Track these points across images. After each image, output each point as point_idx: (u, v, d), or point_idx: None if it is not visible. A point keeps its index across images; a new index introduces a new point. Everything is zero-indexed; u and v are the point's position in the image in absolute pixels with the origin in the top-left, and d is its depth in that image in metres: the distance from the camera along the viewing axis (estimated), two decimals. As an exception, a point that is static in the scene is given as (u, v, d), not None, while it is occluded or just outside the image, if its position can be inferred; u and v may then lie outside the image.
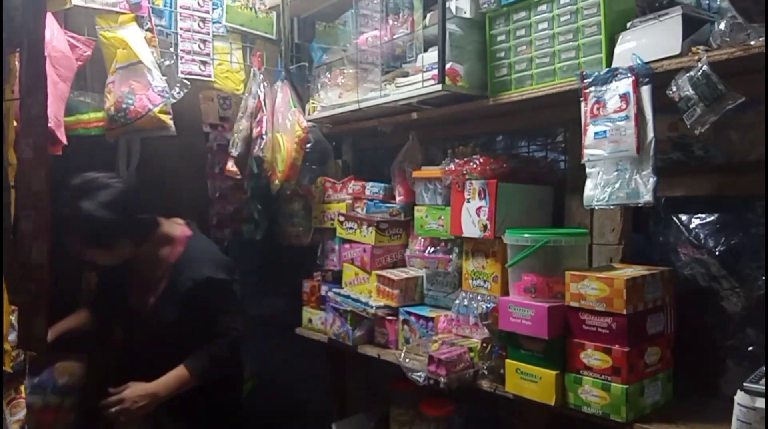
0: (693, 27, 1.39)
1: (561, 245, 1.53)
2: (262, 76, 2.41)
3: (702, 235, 1.60)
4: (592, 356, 1.41)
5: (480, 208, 1.76)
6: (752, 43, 1.25)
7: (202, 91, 2.48)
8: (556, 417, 1.63)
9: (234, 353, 2.00)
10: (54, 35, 1.95)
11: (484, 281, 1.79)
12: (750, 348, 1.50)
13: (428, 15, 1.93)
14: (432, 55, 1.85)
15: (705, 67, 1.28)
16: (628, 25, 1.50)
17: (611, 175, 1.47)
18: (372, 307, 2.03)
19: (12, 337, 2.06)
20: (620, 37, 1.51)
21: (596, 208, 1.52)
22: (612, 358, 1.38)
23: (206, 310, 1.89)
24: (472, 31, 1.85)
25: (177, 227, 2.02)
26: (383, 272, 2.05)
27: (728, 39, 1.30)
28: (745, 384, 1.19)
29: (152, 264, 1.97)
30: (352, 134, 2.56)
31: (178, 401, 1.87)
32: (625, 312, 1.35)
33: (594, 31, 1.56)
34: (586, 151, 1.52)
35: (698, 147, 1.66)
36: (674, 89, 1.33)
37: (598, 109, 1.49)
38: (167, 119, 2.12)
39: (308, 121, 2.35)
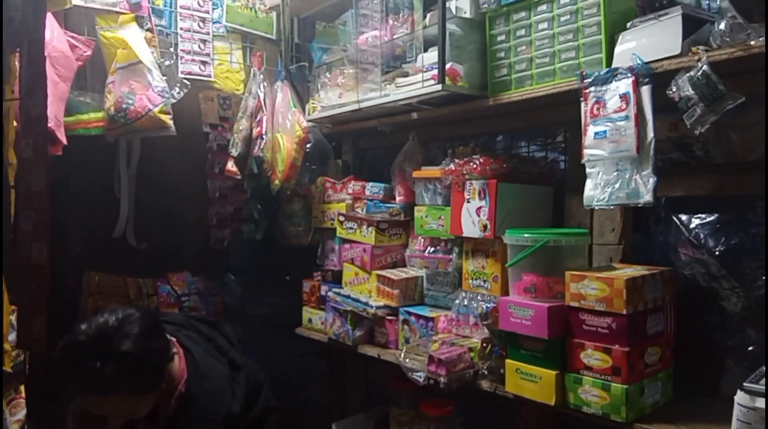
0: (693, 27, 1.39)
1: (561, 245, 1.53)
2: (262, 76, 2.41)
3: (702, 235, 1.60)
4: (592, 356, 1.41)
5: (480, 208, 1.76)
6: (752, 43, 1.25)
7: (202, 91, 2.48)
8: (556, 417, 1.63)
9: None
10: (54, 35, 1.96)
11: (484, 281, 1.79)
12: (750, 348, 1.50)
13: (428, 15, 1.93)
14: (432, 55, 1.85)
15: (705, 67, 1.28)
16: (628, 25, 1.50)
17: (611, 175, 1.47)
18: (372, 307, 2.03)
19: (12, 337, 2.06)
20: (620, 37, 1.51)
21: (596, 208, 1.52)
22: (612, 358, 1.37)
23: None
24: (472, 31, 1.85)
25: (173, 360, 1.57)
26: (383, 272, 2.05)
27: (728, 39, 1.30)
28: (745, 384, 1.19)
29: (147, 415, 1.52)
30: (352, 134, 2.56)
31: None
32: (625, 312, 1.35)
33: (594, 31, 1.56)
34: (586, 151, 1.52)
35: (698, 147, 1.66)
36: (674, 89, 1.33)
37: (598, 109, 1.49)
38: (167, 119, 2.12)
39: (308, 121, 2.35)
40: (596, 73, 1.50)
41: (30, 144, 1.82)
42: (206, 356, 1.64)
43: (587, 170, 1.54)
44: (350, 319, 2.12)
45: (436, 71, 1.80)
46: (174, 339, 1.58)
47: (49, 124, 1.85)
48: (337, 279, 2.31)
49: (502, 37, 1.78)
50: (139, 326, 1.41)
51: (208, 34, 2.46)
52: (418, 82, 1.89)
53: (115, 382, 1.35)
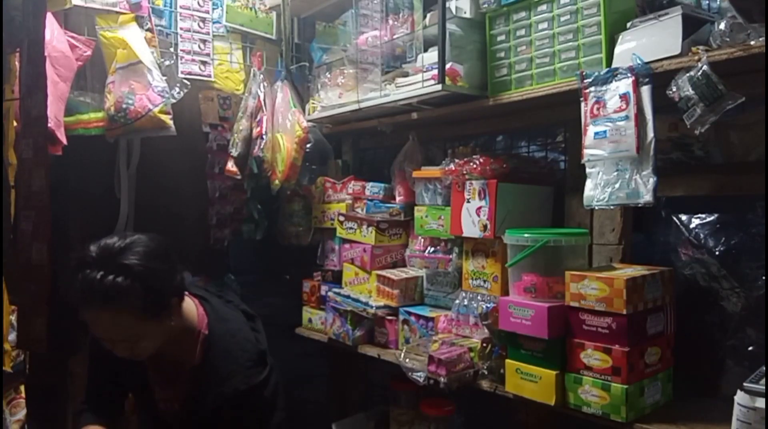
0: (693, 27, 1.39)
1: (561, 245, 1.53)
2: (262, 76, 2.41)
3: (702, 235, 1.60)
4: (592, 356, 1.41)
5: (480, 208, 1.76)
6: (752, 43, 1.25)
7: (202, 91, 2.48)
8: (556, 417, 1.63)
9: None
10: (54, 35, 1.96)
11: (484, 281, 1.79)
12: (750, 348, 1.50)
13: (428, 15, 1.93)
14: (432, 55, 1.85)
15: (705, 67, 1.28)
16: (628, 25, 1.51)
17: (611, 175, 1.47)
18: (372, 307, 2.03)
19: (12, 337, 2.06)
20: (620, 37, 1.51)
21: (596, 208, 1.52)
22: (612, 358, 1.38)
23: (237, 424, 1.55)
24: (472, 31, 1.85)
25: (189, 305, 1.58)
26: (383, 272, 2.05)
27: (728, 39, 1.30)
28: (745, 384, 1.19)
29: (172, 363, 1.57)
30: (352, 134, 2.56)
31: None
32: (625, 312, 1.35)
33: (594, 31, 1.56)
34: (586, 151, 1.52)
35: (698, 147, 1.66)
36: (674, 89, 1.33)
37: (598, 109, 1.49)
38: (167, 119, 2.12)
39: (308, 121, 2.35)
40: (596, 73, 1.50)
41: (30, 144, 1.82)
42: (221, 304, 1.67)
43: (587, 170, 1.54)
44: (350, 319, 2.12)
45: (436, 71, 1.80)
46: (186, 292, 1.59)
47: (49, 124, 1.84)
48: (337, 279, 2.31)
49: (502, 37, 1.78)
50: (146, 247, 1.42)
51: (208, 34, 2.46)
52: (418, 82, 1.89)
53: (114, 294, 1.34)
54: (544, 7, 1.67)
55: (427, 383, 1.72)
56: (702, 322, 1.58)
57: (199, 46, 2.43)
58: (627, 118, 1.43)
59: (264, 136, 2.32)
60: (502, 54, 1.78)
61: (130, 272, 1.36)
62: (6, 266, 1.85)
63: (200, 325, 1.57)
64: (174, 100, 2.18)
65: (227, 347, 1.55)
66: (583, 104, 1.53)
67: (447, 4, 1.80)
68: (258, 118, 2.35)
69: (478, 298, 1.80)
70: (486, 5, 1.78)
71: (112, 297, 1.35)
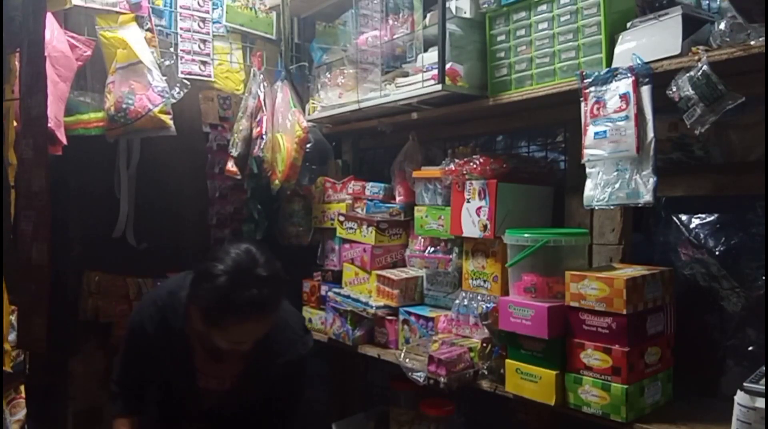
0: (693, 27, 1.39)
1: (561, 245, 1.53)
2: (262, 76, 2.41)
3: (702, 235, 1.60)
4: (592, 356, 1.41)
5: (480, 208, 1.76)
6: (752, 43, 1.25)
7: (202, 91, 2.48)
8: (556, 417, 1.63)
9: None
10: (54, 35, 1.96)
11: (484, 281, 1.79)
12: (750, 348, 1.50)
13: (428, 15, 1.93)
14: (432, 55, 1.85)
15: (705, 67, 1.28)
16: (628, 25, 1.51)
17: (611, 175, 1.47)
18: (372, 307, 2.03)
19: (12, 337, 2.06)
20: (620, 37, 1.51)
21: (596, 208, 1.52)
22: (612, 358, 1.37)
23: (290, 388, 1.67)
24: (472, 31, 1.85)
25: None
26: (383, 272, 2.05)
27: (728, 39, 1.30)
28: (745, 384, 1.19)
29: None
30: (352, 134, 2.57)
31: None
32: (625, 312, 1.35)
33: (594, 31, 1.56)
34: (586, 151, 1.52)
35: (698, 147, 1.66)
36: (674, 89, 1.34)
37: (598, 109, 1.49)
38: (167, 119, 2.12)
39: (308, 121, 2.35)
40: (596, 73, 1.50)
41: (30, 144, 1.82)
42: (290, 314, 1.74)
43: (587, 170, 1.54)
44: (350, 319, 2.12)
45: (436, 71, 1.80)
46: None
47: (49, 124, 1.84)
48: (337, 279, 2.31)
49: (502, 37, 1.78)
50: (262, 252, 1.51)
51: (208, 34, 2.46)
52: (418, 82, 1.89)
53: (271, 304, 1.46)
54: (544, 7, 1.67)
55: (427, 383, 1.72)
56: (702, 322, 1.58)
57: (199, 46, 2.43)
58: (627, 118, 1.43)
59: (264, 136, 2.32)
60: (502, 54, 1.78)
61: (275, 279, 1.47)
62: (6, 266, 1.85)
63: None
64: (174, 100, 2.18)
65: (284, 317, 1.62)
66: (583, 104, 1.53)
67: (447, 4, 1.80)
68: (258, 118, 2.35)
69: (478, 298, 1.80)
70: (486, 5, 1.78)
71: (269, 307, 1.46)
